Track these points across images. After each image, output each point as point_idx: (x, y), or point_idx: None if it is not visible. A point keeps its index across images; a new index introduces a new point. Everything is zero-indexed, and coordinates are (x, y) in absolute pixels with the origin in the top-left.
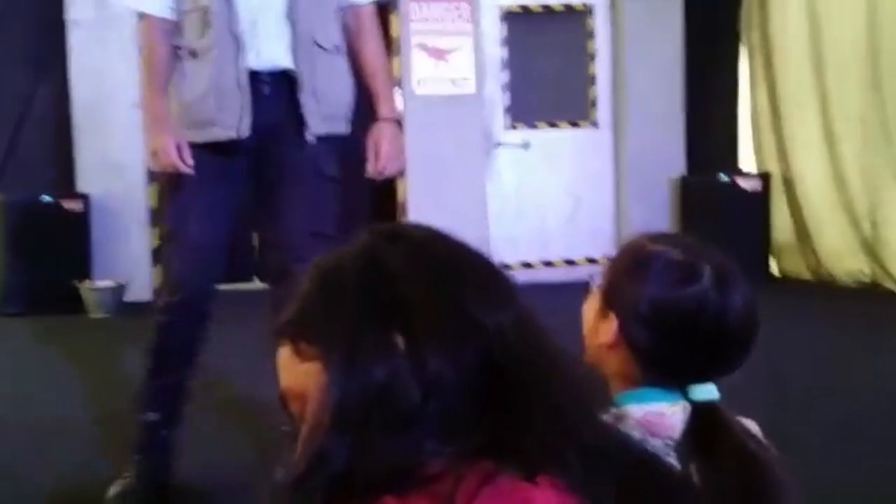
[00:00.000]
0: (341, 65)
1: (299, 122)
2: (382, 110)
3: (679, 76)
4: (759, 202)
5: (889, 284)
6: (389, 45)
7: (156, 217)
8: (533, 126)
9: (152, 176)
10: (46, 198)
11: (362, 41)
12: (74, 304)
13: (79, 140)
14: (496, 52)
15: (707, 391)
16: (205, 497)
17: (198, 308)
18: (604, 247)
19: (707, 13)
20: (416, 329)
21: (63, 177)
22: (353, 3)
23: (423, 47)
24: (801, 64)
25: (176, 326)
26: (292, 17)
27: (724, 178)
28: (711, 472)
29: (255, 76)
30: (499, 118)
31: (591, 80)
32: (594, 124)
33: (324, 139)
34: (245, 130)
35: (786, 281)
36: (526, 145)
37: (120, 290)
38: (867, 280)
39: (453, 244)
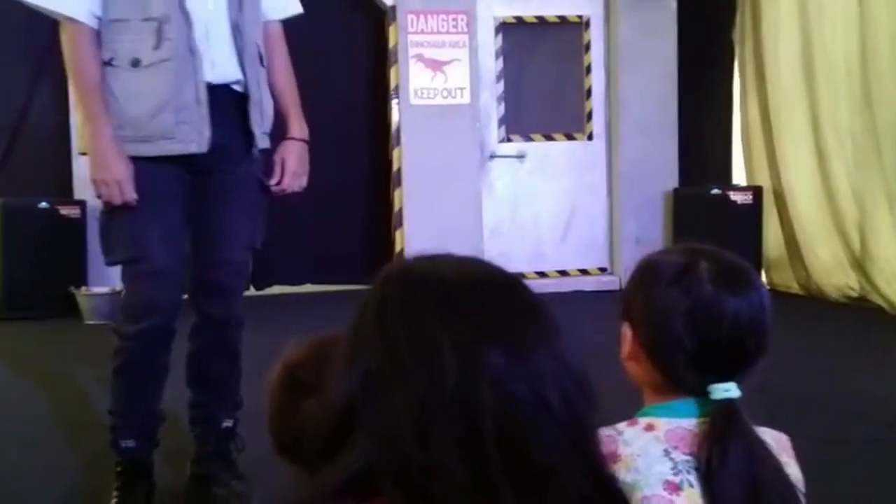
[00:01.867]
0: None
1: (245, 135)
2: (294, 130)
3: (673, 89)
4: (750, 215)
5: (877, 300)
6: (387, 55)
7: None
8: (528, 138)
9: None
10: (43, 204)
11: (273, 58)
12: (70, 309)
13: (77, 146)
14: (491, 63)
15: (725, 389)
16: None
17: (168, 330)
18: (597, 258)
19: (702, 26)
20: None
21: (60, 183)
22: (267, 20)
23: (420, 58)
24: (793, 79)
25: (148, 352)
26: (239, 28)
27: (716, 190)
28: (720, 469)
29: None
30: (494, 129)
31: (587, 92)
32: (589, 137)
33: (261, 152)
34: (205, 145)
35: (775, 294)
36: (521, 157)
37: (115, 296)
38: (855, 295)
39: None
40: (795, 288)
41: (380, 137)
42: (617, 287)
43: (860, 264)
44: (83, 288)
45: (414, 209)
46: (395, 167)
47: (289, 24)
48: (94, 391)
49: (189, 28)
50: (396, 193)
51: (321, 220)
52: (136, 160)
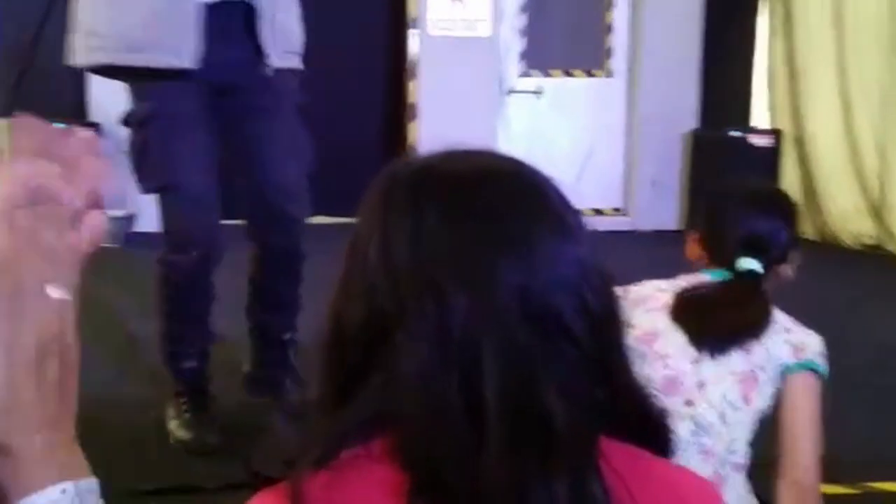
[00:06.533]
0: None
1: (257, 53)
2: None
3: (697, 28)
4: (769, 159)
5: (892, 248)
6: None
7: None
8: (547, 73)
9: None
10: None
11: None
12: None
13: None
14: None
15: (748, 262)
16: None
17: (210, 256)
18: (612, 198)
19: None
20: None
21: (75, 104)
22: None
23: None
24: (821, 23)
25: (195, 277)
26: None
27: (735, 133)
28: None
29: (212, 4)
30: (513, 64)
31: (608, 28)
32: (609, 74)
33: (282, 70)
34: (198, 61)
35: None
36: (539, 92)
37: (129, 220)
38: (871, 242)
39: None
40: (811, 233)
41: (396, 68)
42: (630, 228)
43: (878, 212)
44: None
45: (429, 143)
46: (410, 100)
47: None
48: (107, 313)
49: None
50: (411, 126)
51: (334, 152)
52: (156, 80)
